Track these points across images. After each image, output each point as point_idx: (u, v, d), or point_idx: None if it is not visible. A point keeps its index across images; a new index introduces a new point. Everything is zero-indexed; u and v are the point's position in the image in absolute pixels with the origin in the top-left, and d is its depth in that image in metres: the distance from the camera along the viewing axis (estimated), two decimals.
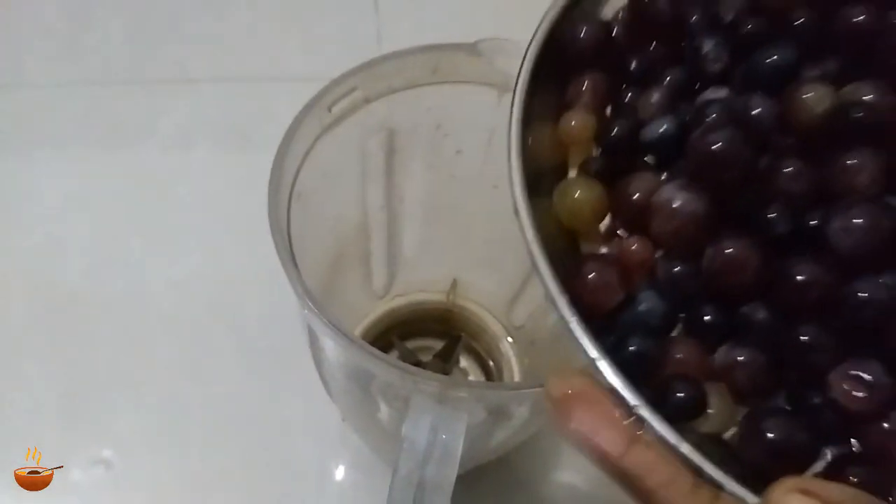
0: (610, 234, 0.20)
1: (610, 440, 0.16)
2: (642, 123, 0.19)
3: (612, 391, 0.16)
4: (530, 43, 0.20)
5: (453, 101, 0.32)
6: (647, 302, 0.18)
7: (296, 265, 0.25)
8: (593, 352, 0.16)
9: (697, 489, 0.15)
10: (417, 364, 0.40)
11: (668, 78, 0.20)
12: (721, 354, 0.18)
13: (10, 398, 0.39)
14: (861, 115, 0.17)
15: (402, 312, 0.41)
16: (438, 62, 0.30)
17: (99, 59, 0.52)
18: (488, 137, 0.33)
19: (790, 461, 0.16)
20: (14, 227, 0.45)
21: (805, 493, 0.14)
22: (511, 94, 0.30)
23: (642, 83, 0.20)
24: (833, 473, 0.16)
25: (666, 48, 0.20)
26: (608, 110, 0.21)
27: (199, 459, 0.38)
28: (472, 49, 0.29)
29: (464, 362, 0.41)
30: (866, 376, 0.16)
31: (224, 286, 0.43)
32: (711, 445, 0.16)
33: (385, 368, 0.25)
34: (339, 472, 0.39)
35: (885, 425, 0.16)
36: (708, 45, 0.19)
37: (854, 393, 0.16)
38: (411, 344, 0.41)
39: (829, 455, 0.16)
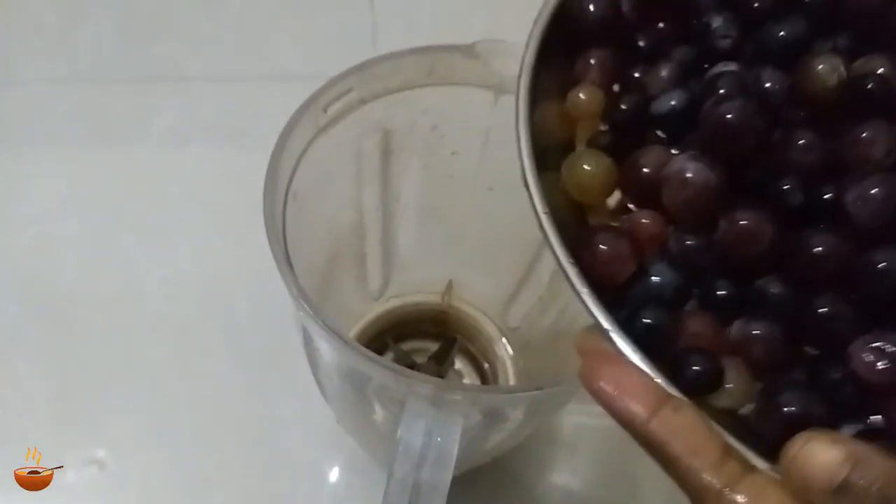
0: (619, 210, 0.20)
1: (637, 403, 0.15)
2: (651, 98, 0.19)
3: None
4: (539, 17, 0.20)
5: (449, 103, 0.32)
6: (660, 275, 0.18)
7: (291, 266, 0.25)
8: (605, 323, 0.16)
9: (725, 460, 0.15)
10: (412, 366, 0.40)
11: (677, 54, 0.20)
12: (737, 328, 0.17)
13: (2, 398, 0.39)
14: (873, 86, 0.17)
15: (397, 314, 0.41)
16: (434, 64, 0.30)
17: (91, 57, 0.51)
18: (484, 139, 0.33)
19: None
20: (6, 225, 0.45)
21: (828, 441, 0.14)
22: (507, 95, 0.30)
23: (651, 60, 0.20)
24: None
25: (674, 25, 0.20)
26: (616, 88, 0.20)
27: (192, 460, 0.38)
28: (467, 51, 0.29)
29: (459, 364, 0.41)
30: (888, 347, 0.15)
31: (218, 286, 0.43)
32: (728, 421, 0.16)
33: (380, 371, 0.25)
34: (334, 474, 0.39)
35: None
36: (717, 21, 0.19)
37: (875, 365, 0.15)
38: (406, 346, 0.41)
39: (847, 430, 0.16)
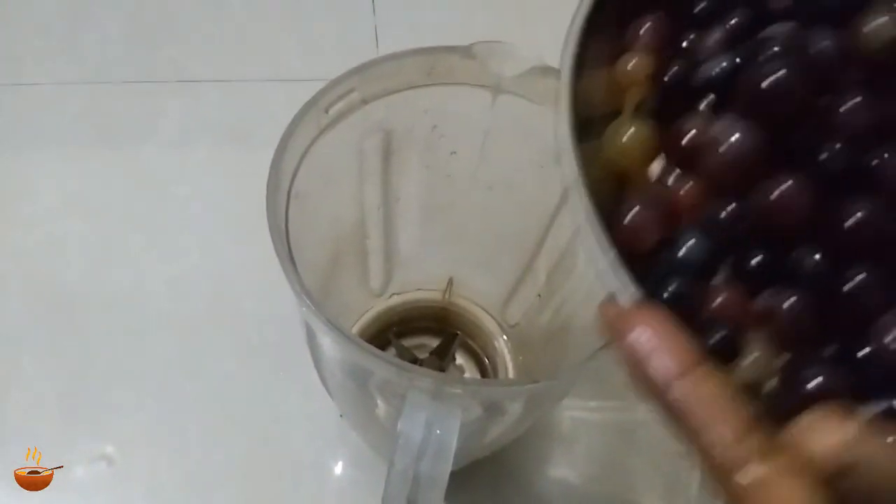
0: (661, 180, 0.18)
1: (663, 363, 0.15)
2: (700, 63, 0.18)
3: None
4: None
5: (448, 103, 0.32)
6: (691, 243, 0.17)
7: (294, 264, 0.26)
8: (631, 287, 0.16)
9: (750, 431, 0.14)
10: (414, 361, 0.40)
11: (730, 18, 0.19)
12: (764, 299, 0.17)
13: (11, 396, 0.40)
14: None
15: (398, 310, 0.42)
16: (434, 64, 0.30)
17: (97, 59, 0.52)
18: (482, 138, 0.34)
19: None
20: (13, 225, 0.45)
21: (840, 416, 0.13)
22: (505, 95, 0.31)
23: (705, 25, 0.19)
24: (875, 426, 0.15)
25: None
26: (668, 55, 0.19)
27: (199, 455, 0.39)
28: (466, 52, 0.30)
29: (460, 360, 0.42)
30: None
31: (223, 284, 0.43)
32: (749, 396, 0.15)
33: (381, 366, 0.25)
34: (338, 468, 0.39)
35: None
36: None
37: None
38: (408, 342, 0.42)
39: (871, 410, 0.15)
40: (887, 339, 0.15)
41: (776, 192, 0.16)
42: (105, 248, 0.45)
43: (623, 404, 0.40)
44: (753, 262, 0.17)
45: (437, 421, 0.25)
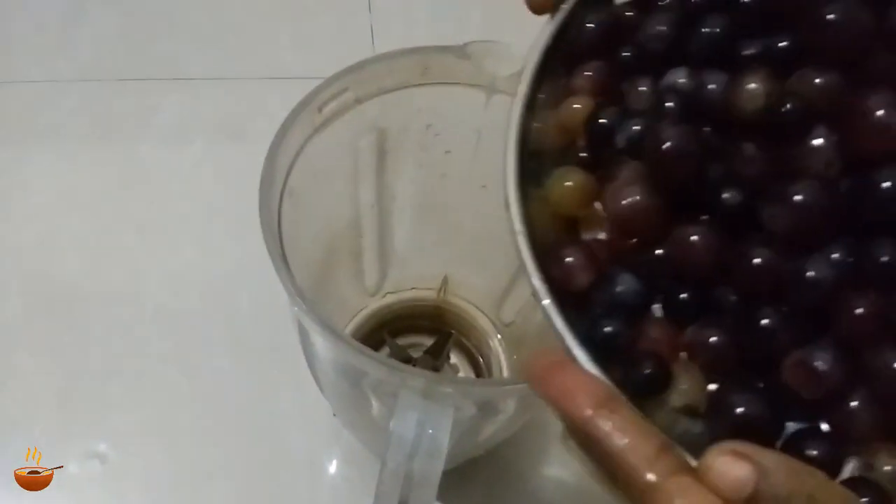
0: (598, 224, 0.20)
1: (576, 404, 0.16)
2: (629, 114, 0.19)
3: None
4: (538, 39, 0.20)
5: (443, 102, 0.32)
6: (623, 283, 0.18)
7: (286, 263, 0.26)
8: (569, 338, 0.17)
9: (662, 455, 0.15)
10: (408, 360, 0.40)
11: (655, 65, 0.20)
12: (690, 333, 0.18)
13: (5, 393, 0.40)
14: (795, 109, 0.17)
15: (393, 309, 0.42)
16: (428, 64, 0.30)
17: (93, 56, 0.52)
18: (476, 138, 0.34)
19: (754, 436, 0.16)
20: (9, 222, 0.45)
21: (738, 455, 0.14)
22: (499, 95, 0.31)
23: (639, 73, 0.20)
24: (791, 448, 0.16)
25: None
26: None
27: (193, 453, 0.39)
28: (460, 51, 0.30)
29: (454, 358, 0.42)
30: (817, 365, 0.16)
31: (217, 282, 0.43)
32: (687, 418, 0.17)
33: (373, 365, 0.25)
34: (331, 466, 0.39)
35: (849, 405, 0.16)
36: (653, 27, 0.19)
37: (805, 381, 0.16)
38: (402, 340, 0.42)
39: (790, 430, 0.17)
40: (790, 379, 0.16)
41: (684, 241, 0.18)
42: (99, 244, 0.45)
43: None
44: (680, 299, 0.18)
45: (429, 420, 0.25)
